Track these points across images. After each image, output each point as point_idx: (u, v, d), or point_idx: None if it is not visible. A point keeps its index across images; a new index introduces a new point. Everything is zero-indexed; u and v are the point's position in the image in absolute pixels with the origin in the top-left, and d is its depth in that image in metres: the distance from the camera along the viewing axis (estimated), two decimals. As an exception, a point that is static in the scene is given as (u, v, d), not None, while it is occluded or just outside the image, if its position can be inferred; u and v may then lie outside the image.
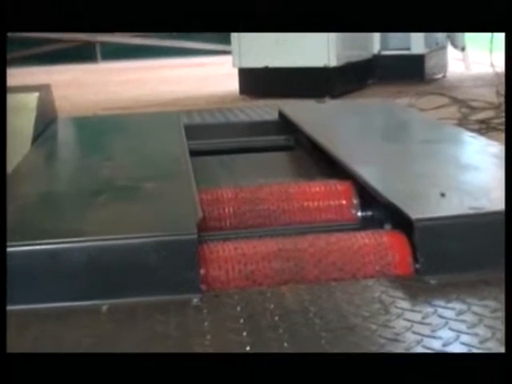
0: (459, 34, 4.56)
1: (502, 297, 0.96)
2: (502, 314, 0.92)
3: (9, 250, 1.01)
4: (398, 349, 0.85)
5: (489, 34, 4.38)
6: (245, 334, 0.90)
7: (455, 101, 3.31)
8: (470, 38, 4.70)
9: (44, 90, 2.17)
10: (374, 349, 0.85)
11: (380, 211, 1.33)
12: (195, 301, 1.02)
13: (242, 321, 0.93)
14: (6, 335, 0.84)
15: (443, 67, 4.62)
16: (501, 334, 0.89)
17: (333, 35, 3.72)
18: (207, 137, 2.15)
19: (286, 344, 0.86)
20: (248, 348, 0.86)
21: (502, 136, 2.30)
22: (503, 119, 2.78)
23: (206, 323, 0.94)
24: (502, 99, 3.07)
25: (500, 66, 4.02)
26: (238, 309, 0.98)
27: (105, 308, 1.01)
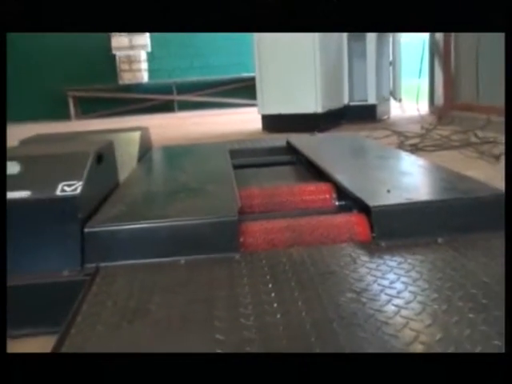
0: (398, 91, 5.37)
1: (420, 250, 1.14)
2: (420, 257, 1.10)
3: (121, 227, 1.19)
4: (360, 284, 0.97)
5: (415, 90, 5.26)
6: (268, 277, 1.05)
7: (395, 132, 3.93)
8: (404, 93, 5.68)
9: (144, 129, 2.50)
10: (346, 286, 0.97)
11: (350, 201, 1.49)
12: (237, 257, 1.16)
13: (266, 269, 1.09)
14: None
15: (387, 112, 5.52)
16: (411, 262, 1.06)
17: (319, 93, 4.43)
18: (242, 156, 2.48)
19: (292, 283, 1.00)
20: (270, 285, 0.99)
21: (425, 154, 2.83)
22: (426, 143, 3.29)
23: (244, 271, 1.09)
24: (425, 131, 3.67)
25: (422, 110, 5.06)
26: (264, 262, 1.13)
27: (182, 261, 1.15)
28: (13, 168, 1.33)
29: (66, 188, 1.23)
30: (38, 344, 1.06)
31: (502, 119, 3.74)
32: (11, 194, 1.21)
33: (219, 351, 0.78)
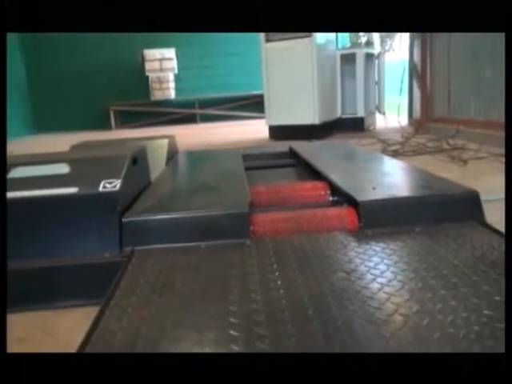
0: (382, 106, 5.27)
1: (400, 237, 1.11)
2: (400, 244, 1.06)
3: (153, 218, 1.16)
4: (350, 266, 0.95)
5: (397, 105, 5.11)
6: (273, 259, 1.04)
7: (379, 140, 3.86)
8: (387, 107, 5.59)
9: (171, 137, 2.49)
10: (338, 267, 0.94)
11: (341, 197, 1.47)
12: (248, 243, 1.15)
13: (271, 252, 1.09)
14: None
15: (373, 123, 5.46)
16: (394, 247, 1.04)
17: (316, 108, 4.40)
18: (252, 160, 2.45)
19: (294, 265, 0.98)
20: (275, 266, 0.97)
21: (405, 158, 2.78)
22: (405, 149, 3.24)
23: (253, 254, 1.08)
24: (404, 139, 3.63)
25: (403, 122, 5.00)
26: (270, 247, 1.13)
27: (203, 246, 1.15)
28: (63, 169, 1.33)
29: (107, 185, 1.23)
30: (84, 312, 1.06)
31: (469, 129, 3.75)
32: (62, 190, 1.22)
33: (232, 320, 0.77)
